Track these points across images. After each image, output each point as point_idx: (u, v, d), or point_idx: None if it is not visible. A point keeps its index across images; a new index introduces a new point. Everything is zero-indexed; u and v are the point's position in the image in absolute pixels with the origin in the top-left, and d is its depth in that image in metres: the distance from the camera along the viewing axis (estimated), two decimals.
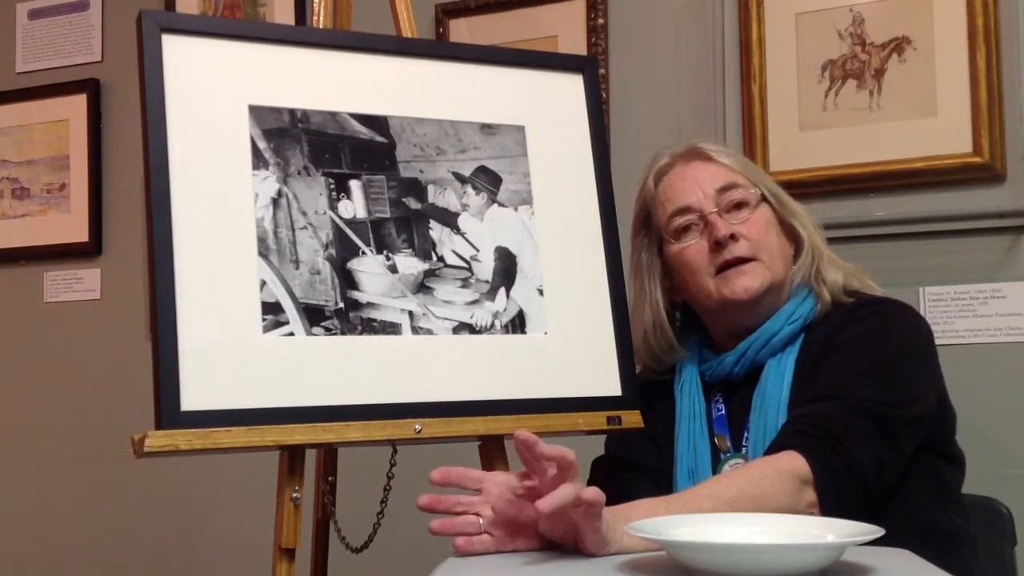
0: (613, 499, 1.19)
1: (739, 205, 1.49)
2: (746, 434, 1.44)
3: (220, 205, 1.34)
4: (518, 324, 1.46)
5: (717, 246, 1.46)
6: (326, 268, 1.37)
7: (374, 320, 1.38)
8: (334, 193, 1.40)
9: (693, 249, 1.49)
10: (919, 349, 1.42)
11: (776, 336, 1.45)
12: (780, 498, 1.22)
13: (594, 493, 1.07)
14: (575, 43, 2.37)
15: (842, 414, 1.30)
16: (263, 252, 1.34)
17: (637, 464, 1.52)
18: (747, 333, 1.47)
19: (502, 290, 1.46)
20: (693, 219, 1.49)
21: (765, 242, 1.47)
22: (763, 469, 1.25)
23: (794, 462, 1.25)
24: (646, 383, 1.57)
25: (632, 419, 1.47)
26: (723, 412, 1.49)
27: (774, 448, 1.31)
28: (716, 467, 1.44)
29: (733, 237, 1.45)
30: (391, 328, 1.39)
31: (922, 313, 1.85)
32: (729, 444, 1.46)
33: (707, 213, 1.47)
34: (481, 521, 1.16)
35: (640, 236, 1.58)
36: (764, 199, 1.51)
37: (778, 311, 1.47)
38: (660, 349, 1.55)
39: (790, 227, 1.52)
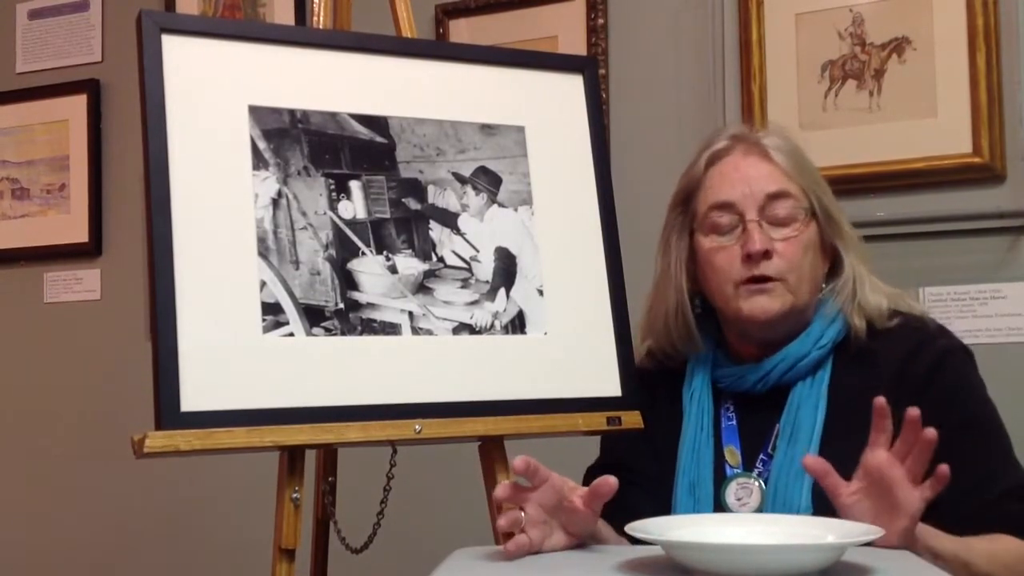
0: (610, 507, 1.19)
1: (785, 220, 1.40)
2: (763, 456, 1.39)
3: (220, 205, 1.33)
4: (518, 324, 1.45)
5: (748, 259, 1.38)
6: (326, 268, 1.37)
7: (374, 320, 1.38)
8: (334, 193, 1.40)
9: (724, 253, 1.41)
10: (991, 404, 1.41)
11: (804, 360, 1.39)
12: None
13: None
14: (575, 43, 2.37)
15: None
16: (263, 252, 1.34)
17: (632, 472, 1.44)
18: (763, 344, 1.43)
19: (502, 290, 1.46)
20: (732, 220, 1.41)
21: (798, 265, 1.39)
22: None
23: None
24: (656, 370, 1.51)
25: (632, 419, 1.46)
26: (734, 423, 1.44)
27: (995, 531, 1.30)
28: (720, 482, 1.40)
29: (767, 254, 1.38)
30: (391, 328, 1.39)
31: None
32: (740, 459, 1.41)
33: (748, 220, 1.39)
34: (523, 515, 1.17)
35: (676, 213, 1.49)
36: (814, 216, 1.42)
37: (804, 332, 1.41)
38: (678, 336, 1.47)
39: (832, 247, 1.44)
